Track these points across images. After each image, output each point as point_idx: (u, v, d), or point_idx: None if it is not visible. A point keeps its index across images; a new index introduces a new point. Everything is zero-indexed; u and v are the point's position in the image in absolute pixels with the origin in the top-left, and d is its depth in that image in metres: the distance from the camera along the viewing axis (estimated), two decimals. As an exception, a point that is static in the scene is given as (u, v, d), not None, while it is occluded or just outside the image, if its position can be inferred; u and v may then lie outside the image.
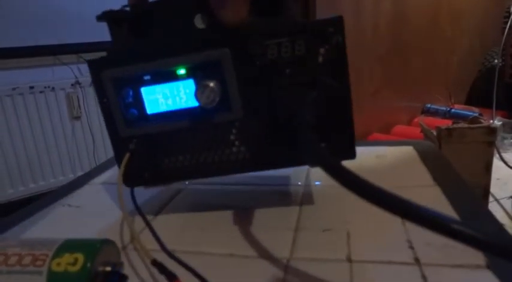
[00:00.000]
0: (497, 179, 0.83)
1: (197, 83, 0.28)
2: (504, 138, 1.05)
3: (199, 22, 0.28)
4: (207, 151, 0.31)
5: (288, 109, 0.27)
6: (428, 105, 1.25)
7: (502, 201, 0.77)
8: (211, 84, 0.28)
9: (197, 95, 0.28)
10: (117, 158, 0.31)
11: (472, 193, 0.37)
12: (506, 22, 1.18)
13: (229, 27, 0.26)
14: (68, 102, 2.16)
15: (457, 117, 1.14)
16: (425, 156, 0.47)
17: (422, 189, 0.38)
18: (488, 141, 0.65)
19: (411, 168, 0.44)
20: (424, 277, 0.24)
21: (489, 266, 0.25)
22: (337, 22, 0.27)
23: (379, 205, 0.18)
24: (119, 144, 0.31)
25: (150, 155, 0.31)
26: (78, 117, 2.20)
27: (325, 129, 0.28)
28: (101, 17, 0.29)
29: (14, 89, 2.00)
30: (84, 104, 2.20)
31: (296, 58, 0.27)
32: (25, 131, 2.04)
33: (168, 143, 0.31)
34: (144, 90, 0.29)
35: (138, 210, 0.31)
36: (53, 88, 2.10)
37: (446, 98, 1.27)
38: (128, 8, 0.29)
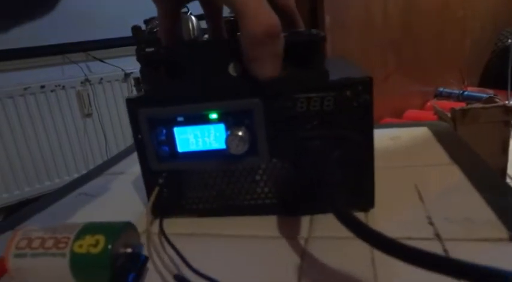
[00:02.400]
0: (514, 162, 0.81)
1: (227, 128, 0.29)
2: (520, 119, 1.03)
3: (233, 70, 0.28)
4: (231, 191, 0.31)
5: (313, 160, 0.27)
6: (441, 89, 1.22)
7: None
8: (241, 134, 0.28)
9: (227, 143, 0.28)
10: (147, 189, 0.32)
11: (491, 170, 0.36)
12: (520, 0, 1.15)
13: (262, 81, 0.27)
14: (78, 100, 2.19)
15: (470, 99, 1.11)
16: (440, 136, 0.46)
17: (440, 167, 0.37)
18: (505, 121, 0.64)
19: (427, 148, 0.43)
20: (445, 251, 0.24)
21: (512, 239, 0.25)
22: (367, 82, 0.27)
23: (389, 254, 0.19)
24: (149, 177, 0.32)
25: (176, 190, 0.32)
26: (89, 115, 2.23)
27: (349, 181, 0.29)
28: (139, 60, 0.30)
29: (25, 88, 2.03)
30: (94, 101, 2.23)
31: (324, 112, 0.28)
32: (38, 130, 2.08)
33: (195, 180, 0.31)
34: (176, 130, 0.30)
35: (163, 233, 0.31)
36: (64, 87, 2.13)
37: (459, 80, 1.25)
38: (162, 51, 0.30)
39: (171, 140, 0.30)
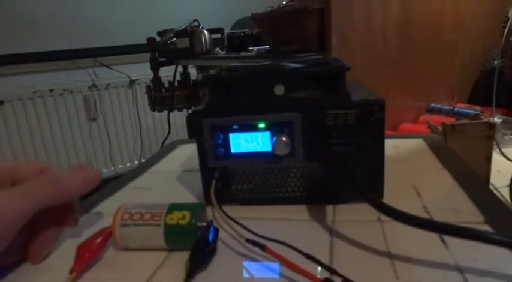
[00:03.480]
0: (498, 171, 0.91)
1: (272, 135, 0.38)
2: (504, 134, 1.13)
3: (277, 90, 0.37)
4: (269, 185, 0.40)
5: (340, 161, 0.36)
6: (433, 105, 1.33)
7: (500, 190, 0.86)
8: (285, 139, 0.37)
9: (274, 145, 0.37)
10: (204, 182, 0.40)
11: (476, 174, 0.45)
12: (505, 26, 1.27)
13: (300, 100, 0.37)
14: (85, 105, 2.25)
15: (459, 115, 1.22)
16: (433, 147, 0.55)
17: (434, 171, 0.46)
18: (488, 135, 0.73)
19: (423, 156, 0.52)
20: (438, 229, 0.33)
21: (486, 222, 0.33)
22: (381, 103, 0.36)
23: (416, 226, 0.29)
24: (206, 172, 0.40)
25: (226, 183, 0.40)
26: (95, 119, 2.29)
27: (365, 178, 0.38)
28: (203, 82, 0.40)
29: (34, 92, 2.09)
30: (100, 106, 2.30)
31: (347, 125, 0.37)
32: (45, 132, 2.14)
33: (241, 176, 0.40)
34: (231, 136, 0.38)
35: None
36: (71, 91, 2.20)
37: (450, 97, 1.36)
38: (224, 73, 0.39)
39: (226, 143, 0.39)
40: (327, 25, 0.92)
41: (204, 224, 0.32)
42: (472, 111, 1.13)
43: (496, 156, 0.91)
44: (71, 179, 0.31)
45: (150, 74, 1.45)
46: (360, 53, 1.12)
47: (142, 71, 2.27)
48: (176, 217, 0.31)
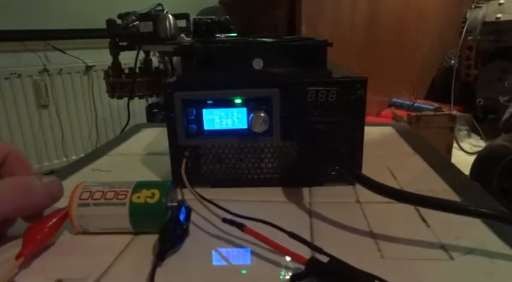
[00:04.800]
0: (455, 162, 0.96)
1: (249, 112, 0.35)
2: (460, 129, 1.19)
3: (256, 65, 0.35)
4: (245, 165, 0.37)
5: (320, 139, 0.34)
6: (394, 100, 1.38)
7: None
8: (263, 115, 0.34)
9: (251, 122, 0.34)
10: (173, 161, 0.37)
11: (443, 157, 0.46)
12: (463, 27, 1.33)
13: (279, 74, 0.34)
14: (35, 90, 2.10)
15: (419, 110, 1.26)
16: (402, 134, 0.55)
17: (406, 156, 0.46)
18: (450, 127, 0.76)
19: (394, 142, 0.52)
20: (417, 209, 0.32)
21: (463, 201, 0.33)
22: (363, 81, 0.35)
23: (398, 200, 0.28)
24: (176, 150, 0.36)
25: (196, 163, 0.37)
26: (45, 106, 2.14)
27: (345, 152, 0.36)
28: (175, 51, 0.37)
29: (-23, 74, 1.91)
30: (52, 93, 2.15)
31: (328, 103, 0.35)
32: (-12, 119, 1.96)
33: (212, 155, 0.37)
34: (205, 112, 0.35)
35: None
36: (19, 75, 2.03)
37: (410, 93, 1.41)
38: (199, 44, 0.36)
39: (199, 119, 0.36)
40: (297, 14, 0.91)
41: (175, 204, 0.29)
42: (431, 107, 1.18)
43: (453, 149, 0.95)
44: (41, 191, 0.28)
45: (107, 61, 1.37)
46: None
47: (99, 57, 2.15)
48: (144, 195, 0.28)
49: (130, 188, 0.29)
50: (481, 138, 1.21)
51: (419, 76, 1.52)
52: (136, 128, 0.62)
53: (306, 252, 0.24)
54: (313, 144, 0.35)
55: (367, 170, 0.38)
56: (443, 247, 0.27)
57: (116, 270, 0.25)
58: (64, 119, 2.21)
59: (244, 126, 0.36)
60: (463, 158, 1.01)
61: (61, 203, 0.29)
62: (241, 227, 0.26)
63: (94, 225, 0.29)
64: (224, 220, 0.27)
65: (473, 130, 1.24)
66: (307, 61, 0.36)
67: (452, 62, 1.45)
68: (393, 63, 1.38)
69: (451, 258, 0.25)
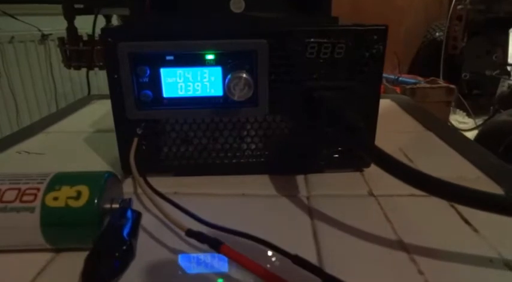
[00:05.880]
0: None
1: (226, 72, 0.25)
2: (446, 105, 1.14)
3: (234, 6, 0.25)
4: (221, 146, 0.27)
5: (328, 110, 0.25)
6: (378, 73, 1.30)
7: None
8: (245, 76, 0.24)
9: (229, 86, 0.24)
10: (120, 141, 0.27)
11: (463, 136, 0.38)
12: (454, -4, 1.26)
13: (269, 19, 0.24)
14: (-16, 61, 1.88)
15: (404, 84, 1.20)
16: (405, 108, 0.47)
17: (418, 134, 0.38)
18: (447, 101, 0.70)
19: (399, 118, 0.44)
20: (454, 206, 0.24)
21: (508, 193, 0.25)
22: (382, 31, 0.25)
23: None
24: (123, 127, 0.26)
25: (153, 144, 0.27)
26: (-3, 78, 1.93)
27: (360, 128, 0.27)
28: None
29: None
30: (3, 63, 1.93)
31: (334, 61, 0.25)
32: None
33: (175, 133, 0.27)
34: (163, 72, 0.25)
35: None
36: (-35, 43, 1.81)
37: (394, 66, 1.33)
38: None
39: (156, 83, 0.26)
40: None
41: (117, 205, 0.20)
42: (417, 81, 1.11)
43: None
44: None
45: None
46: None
47: (57, 25, 1.94)
48: (64, 195, 0.18)
49: (44, 184, 0.19)
50: (467, 115, 1.16)
51: (403, 49, 1.45)
52: (86, 100, 0.51)
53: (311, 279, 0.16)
54: (312, 117, 0.26)
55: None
56: (507, 265, 0.18)
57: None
58: (18, 93, 2.00)
59: (219, 92, 0.26)
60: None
61: None
62: (216, 245, 0.16)
63: (-14, 242, 0.19)
64: (189, 233, 0.18)
65: (458, 106, 1.19)
66: (307, 3, 0.26)
67: (437, 34, 1.39)
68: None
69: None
